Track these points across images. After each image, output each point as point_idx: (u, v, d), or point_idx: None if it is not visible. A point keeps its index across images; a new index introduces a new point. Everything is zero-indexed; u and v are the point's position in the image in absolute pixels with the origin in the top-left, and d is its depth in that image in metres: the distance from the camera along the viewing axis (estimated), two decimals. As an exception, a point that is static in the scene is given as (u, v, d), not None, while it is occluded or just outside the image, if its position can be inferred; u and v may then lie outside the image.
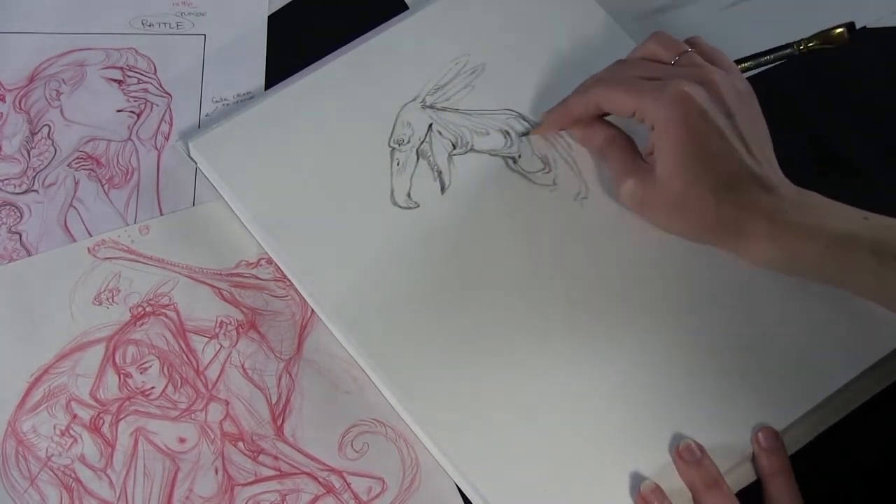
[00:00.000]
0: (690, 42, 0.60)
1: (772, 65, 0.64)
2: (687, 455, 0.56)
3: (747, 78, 0.60)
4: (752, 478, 0.57)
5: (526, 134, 0.64)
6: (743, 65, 0.62)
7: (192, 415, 0.59)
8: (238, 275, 0.63)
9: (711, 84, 0.57)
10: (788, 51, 0.64)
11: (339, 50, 0.68)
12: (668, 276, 0.60)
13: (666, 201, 0.57)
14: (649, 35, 0.61)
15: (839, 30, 0.63)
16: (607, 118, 0.62)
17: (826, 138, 0.65)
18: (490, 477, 0.56)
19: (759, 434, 0.56)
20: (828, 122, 0.66)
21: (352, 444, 0.58)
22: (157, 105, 0.68)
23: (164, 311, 0.61)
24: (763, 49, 0.64)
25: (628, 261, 0.61)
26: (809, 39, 0.63)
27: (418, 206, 0.63)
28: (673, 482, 0.56)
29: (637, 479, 0.55)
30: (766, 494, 0.56)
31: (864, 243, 0.54)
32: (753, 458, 0.56)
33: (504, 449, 0.56)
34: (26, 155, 0.66)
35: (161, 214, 0.64)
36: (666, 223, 0.59)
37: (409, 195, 0.63)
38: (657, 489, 0.55)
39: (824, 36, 0.63)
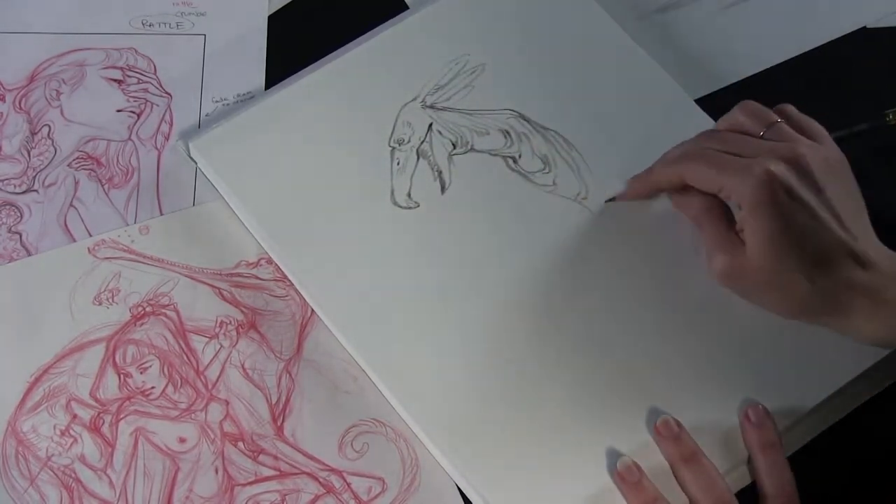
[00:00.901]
0: (780, 111, 0.59)
1: (860, 131, 0.64)
2: (664, 430, 0.56)
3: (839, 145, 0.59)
4: (749, 480, 0.57)
5: (612, 200, 0.62)
6: (835, 133, 0.60)
7: (192, 415, 0.59)
8: (238, 275, 0.63)
9: (800, 159, 0.55)
10: (882, 120, 0.64)
11: (339, 50, 0.68)
12: (666, 273, 0.60)
13: (758, 280, 0.55)
14: (738, 105, 0.59)
15: None
16: None
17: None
18: (490, 476, 0.56)
19: (748, 409, 0.56)
20: (827, 122, 0.66)
21: (352, 444, 0.58)
22: (158, 105, 0.68)
23: (164, 311, 0.61)
24: (855, 121, 0.64)
25: (627, 259, 0.61)
26: None
27: (418, 205, 0.63)
28: (652, 460, 0.56)
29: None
30: (756, 469, 0.56)
31: None
32: (742, 434, 0.56)
33: (504, 448, 0.56)
34: (26, 155, 0.66)
35: (161, 214, 0.64)
36: (760, 301, 0.57)
37: (409, 195, 0.63)
38: (633, 465, 0.55)
39: None
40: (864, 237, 0.56)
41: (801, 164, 0.55)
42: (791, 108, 0.59)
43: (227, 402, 0.59)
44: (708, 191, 0.57)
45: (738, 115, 0.58)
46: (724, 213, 0.58)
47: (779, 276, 0.55)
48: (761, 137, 0.57)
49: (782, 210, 0.54)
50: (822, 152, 0.57)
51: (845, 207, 0.56)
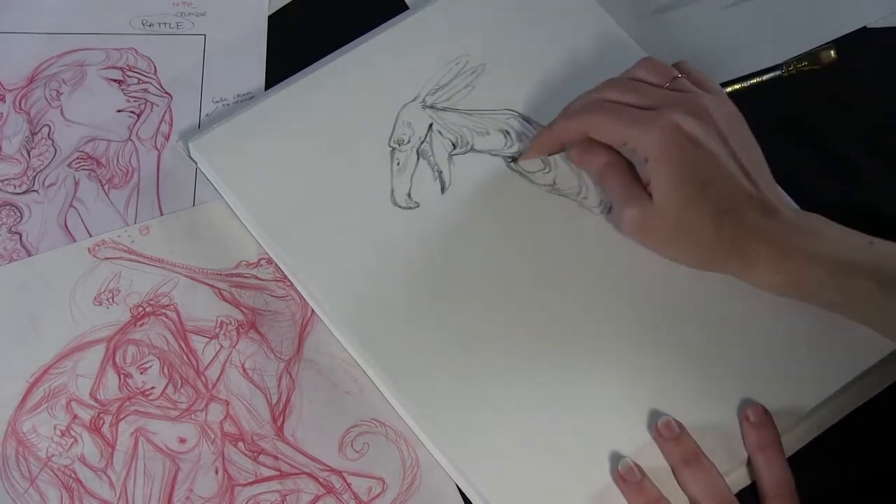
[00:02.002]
0: (679, 67, 0.60)
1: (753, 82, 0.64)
2: (665, 431, 0.56)
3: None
4: (749, 480, 0.57)
5: (514, 160, 0.63)
6: (731, 87, 0.62)
7: (193, 415, 0.59)
8: (238, 275, 0.63)
9: (703, 111, 0.56)
10: (776, 73, 0.64)
11: (339, 50, 0.68)
12: (666, 274, 0.60)
13: (666, 229, 0.57)
14: (638, 61, 0.60)
15: (828, 51, 0.63)
16: None
17: (826, 139, 0.65)
18: (489, 476, 0.56)
19: (748, 409, 0.56)
20: (827, 122, 0.66)
21: (352, 445, 0.58)
22: (157, 105, 0.68)
23: (164, 311, 0.61)
24: (751, 71, 0.64)
25: (627, 258, 0.61)
26: (798, 60, 0.63)
27: (418, 206, 0.63)
28: (653, 461, 0.56)
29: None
30: (756, 469, 0.56)
31: (868, 270, 0.53)
32: (742, 434, 0.56)
33: (503, 448, 0.56)
34: (26, 155, 0.66)
35: (161, 214, 0.65)
36: (669, 251, 0.58)
37: (409, 195, 0.63)
38: (634, 466, 0.55)
39: (812, 57, 0.63)
40: (769, 189, 0.57)
41: (705, 116, 0.56)
42: (690, 65, 0.60)
43: (228, 403, 0.59)
44: (613, 144, 0.58)
45: (640, 72, 0.60)
46: (627, 167, 0.59)
47: (686, 224, 0.56)
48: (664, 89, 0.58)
49: (688, 158, 0.55)
50: (724, 105, 0.58)
51: (748, 159, 0.57)
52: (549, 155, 0.63)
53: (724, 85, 0.62)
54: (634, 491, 0.55)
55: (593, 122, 0.59)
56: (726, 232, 0.55)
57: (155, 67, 0.69)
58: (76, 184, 0.66)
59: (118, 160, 0.66)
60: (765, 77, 0.64)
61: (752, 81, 0.64)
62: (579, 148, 0.61)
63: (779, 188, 0.58)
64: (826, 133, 0.67)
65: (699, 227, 0.55)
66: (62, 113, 0.68)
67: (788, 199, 0.60)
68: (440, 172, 0.64)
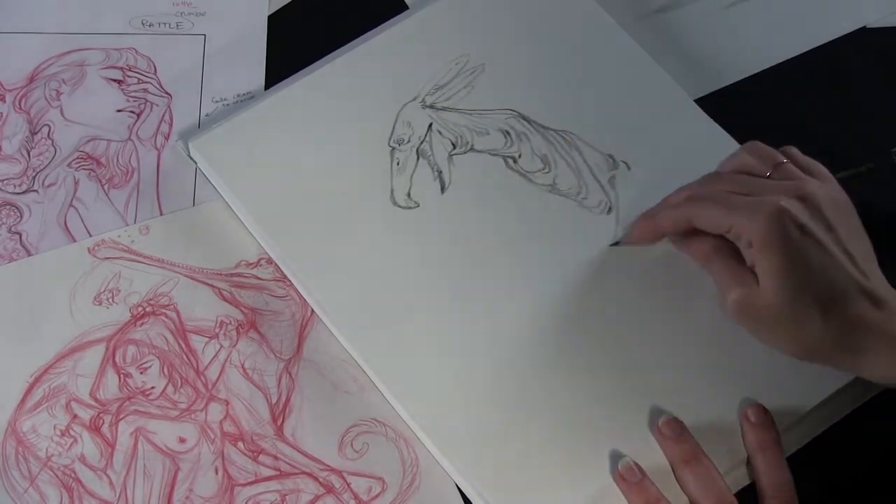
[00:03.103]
0: (784, 152, 0.58)
1: (861, 175, 0.62)
2: (667, 430, 0.56)
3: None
4: (749, 480, 0.57)
5: (616, 244, 0.61)
6: (839, 174, 0.59)
7: (192, 415, 0.59)
8: (238, 275, 0.63)
9: (809, 197, 0.54)
10: (889, 158, 0.63)
11: (339, 50, 0.68)
12: (665, 272, 0.60)
13: (771, 315, 0.54)
14: (743, 145, 0.58)
15: None
16: None
17: (825, 139, 0.65)
18: (490, 476, 0.56)
19: (748, 409, 0.56)
20: (827, 122, 0.66)
21: (352, 444, 0.58)
22: (157, 105, 0.68)
23: (164, 311, 0.61)
24: (858, 162, 0.63)
25: (627, 259, 0.61)
26: None
27: (418, 205, 0.63)
28: (652, 460, 0.56)
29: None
30: (755, 469, 0.56)
31: None
32: (742, 434, 0.56)
33: (504, 448, 0.56)
34: (26, 155, 0.66)
35: (161, 214, 0.65)
36: (773, 339, 0.55)
37: (409, 195, 0.63)
38: (634, 466, 0.55)
39: None
40: (876, 277, 0.55)
41: (812, 202, 0.54)
42: (795, 150, 0.58)
43: (227, 402, 0.59)
44: (717, 231, 0.56)
45: (744, 156, 0.58)
46: (735, 251, 0.57)
47: (791, 312, 0.53)
48: (767, 178, 0.56)
49: (794, 245, 0.53)
50: (831, 192, 0.56)
51: (856, 248, 0.55)
52: (650, 243, 0.61)
53: (833, 173, 0.59)
54: (634, 490, 0.55)
55: (697, 212, 0.56)
56: (834, 322, 0.53)
57: (155, 67, 0.69)
58: (76, 183, 0.66)
59: (118, 160, 0.66)
60: (872, 165, 0.63)
61: (863, 168, 0.62)
62: (686, 235, 0.59)
63: (885, 280, 0.56)
64: (826, 133, 0.67)
65: (804, 317, 0.53)
66: (62, 113, 0.68)
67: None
68: (440, 172, 0.64)
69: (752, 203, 0.54)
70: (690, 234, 0.58)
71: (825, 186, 0.56)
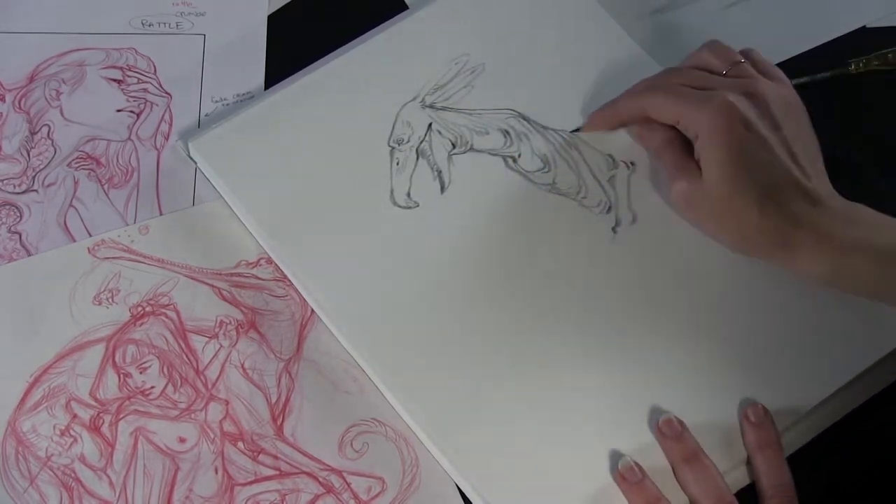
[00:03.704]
0: (744, 54, 0.60)
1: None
2: (667, 429, 0.56)
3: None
4: (749, 480, 0.57)
5: (576, 131, 0.64)
6: (796, 80, 0.62)
7: (192, 414, 0.59)
8: (238, 275, 0.63)
9: (759, 95, 0.57)
10: (844, 70, 0.65)
11: (339, 50, 0.68)
12: (665, 272, 0.60)
13: (711, 206, 0.57)
14: (704, 43, 0.61)
15: None
16: None
17: (825, 139, 0.65)
18: (489, 476, 0.56)
19: (748, 409, 0.56)
20: (827, 123, 0.66)
21: (352, 444, 0.58)
22: (157, 105, 0.68)
23: (163, 310, 0.61)
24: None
25: (626, 257, 0.61)
26: (868, 60, 0.63)
27: (418, 205, 0.63)
28: (652, 460, 0.56)
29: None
30: (755, 469, 0.56)
31: None
32: (742, 434, 0.56)
33: (503, 448, 0.56)
34: (26, 155, 0.66)
35: (161, 214, 0.65)
36: (712, 229, 0.59)
37: (408, 195, 0.63)
38: (634, 465, 0.55)
39: (884, 58, 0.64)
40: (818, 179, 0.57)
41: (761, 99, 0.57)
42: (756, 52, 0.61)
43: (227, 402, 0.59)
44: (667, 121, 0.59)
45: (704, 54, 0.61)
46: (684, 144, 0.59)
47: (731, 205, 0.56)
48: (724, 75, 0.59)
49: (737, 139, 0.55)
50: (783, 92, 0.59)
51: (801, 148, 0.57)
52: (608, 130, 0.64)
53: (790, 78, 0.62)
54: (634, 490, 0.55)
55: (651, 101, 0.60)
56: (770, 218, 0.55)
57: (155, 67, 0.69)
58: (76, 183, 0.66)
59: (118, 160, 0.66)
60: (830, 73, 0.65)
61: (819, 76, 0.64)
62: (640, 126, 0.62)
63: (828, 182, 0.58)
64: (826, 133, 0.67)
65: (743, 209, 0.55)
66: (62, 113, 0.68)
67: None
68: (440, 172, 0.64)
69: (701, 96, 0.57)
70: (647, 124, 0.61)
71: (777, 87, 0.59)
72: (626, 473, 0.55)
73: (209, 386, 0.60)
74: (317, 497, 0.57)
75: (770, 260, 0.57)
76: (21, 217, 0.65)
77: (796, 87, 0.61)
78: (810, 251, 0.55)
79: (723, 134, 0.56)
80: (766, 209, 0.55)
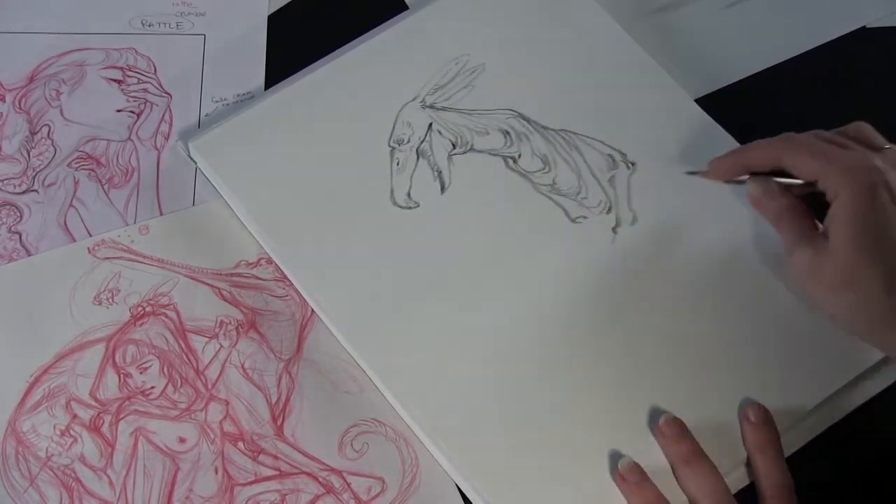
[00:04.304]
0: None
1: None
2: (667, 429, 0.56)
3: None
4: (749, 480, 0.57)
5: (693, 173, 0.61)
6: None
7: (192, 415, 0.59)
8: (238, 275, 0.63)
9: None
10: None
11: (339, 50, 0.68)
12: (665, 272, 0.60)
13: (835, 276, 0.53)
14: (853, 123, 0.58)
15: None
16: None
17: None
18: (490, 476, 0.56)
19: (748, 409, 0.56)
20: (827, 122, 0.66)
21: (352, 444, 0.58)
22: (157, 105, 0.68)
23: (164, 310, 0.61)
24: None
25: (627, 258, 0.61)
26: None
27: (418, 205, 0.63)
28: (652, 460, 0.56)
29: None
30: (755, 470, 0.56)
31: None
32: (742, 434, 0.56)
33: (503, 448, 0.56)
34: (26, 155, 0.66)
35: (161, 214, 0.65)
36: (831, 302, 0.55)
37: (409, 195, 0.63)
38: (634, 466, 0.55)
39: None
40: None
41: None
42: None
43: (227, 402, 0.59)
44: (806, 177, 0.56)
45: (850, 131, 0.58)
46: (807, 213, 0.57)
47: (856, 275, 0.53)
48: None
49: (876, 206, 0.52)
50: None
51: None
52: (728, 180, 0.60)
53: None
54: (634, 490, 0.55)
55: (789, 152, 0.56)
56: (894, 296, 0.52)
57: (155, 67, 0.69)
58: (76, 183, 0.66)
59: (118, 160, 0.66)
60: None
61: None
62: (761, 187, 0.58)
63: None
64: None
65: (868, 283, 0.53)
66: (62, 113, 0.68)
67: None
68: (440, 172, 0.64)
69: (845, 156, 0.54)
70: (768, 187, 0.58)
71: None
72: (626, 473, 0.55)
73: (209, 386, 0.60)
74: (317, 497, 0.57)
75: (885, 345, 0.55)
76: (21, 217, 0.65)
77: None
78: None
79: (865, 198, 0.52)
80: (893, 288, 0.52)
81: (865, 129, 0.58)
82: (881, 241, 0.53)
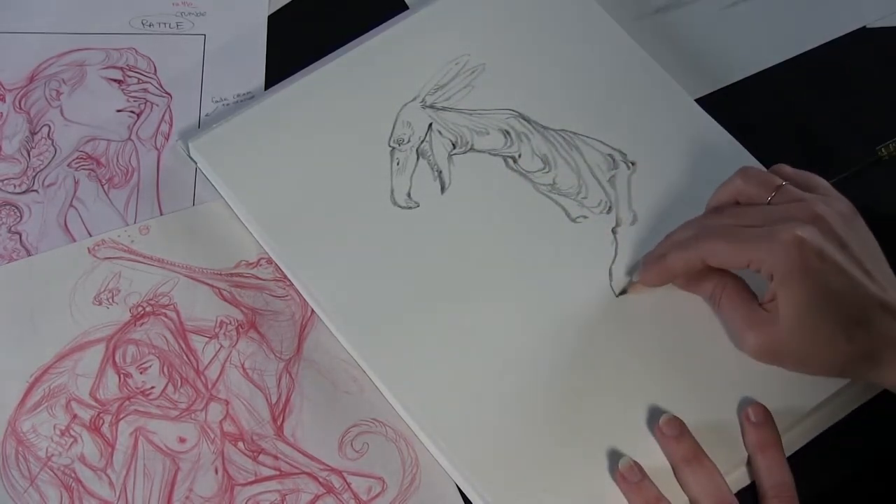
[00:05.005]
0: (777, 171, 0.57)
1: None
2: (668, 429, 0.56)
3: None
4: (749, 480, 0.57)
5: (623, 293, 0.60)
6: (833, 179, 0.58)
7: (192, 415, 0.59)
8: (238, 275, 0.63)
9: (820, 219, 0.53)
10: (874, 157, 0.63)
11: (339, 50, 0.68)
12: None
13: (796, 351, 0.54)
14: (736, 173, 0.57)
15: None
16: None
17: (825, 139, 0.65)
18: (490, 476, 0.56)
19: (749, 409, 0.56)
20: (827, 122, 0.66)
21: (352, 444, 0.58)
22: (157, 105, 0.68)
23: (164, 310, 0.61)
24: (847, 164, 0.64)
25: (627, 258, 0.61)
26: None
27: (418, 205, 0.63)
28: (652, 460, 0.56)
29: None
30: (756, 469, 0.56)
31: None
32: (742, 434, 0.56)
33: (504, 448, 0.56)
34: (26, 155, 0.66)
35: (161, 214, 0.65)
36: (799, 369, 0.56)
37: (409, 195, 0.63)
38: (634, 465, 0.55)
39: None
40: (890, 285, 0.55)
41: (822, 224, 0.54)
42: (788, 168, 0.57)
43: (227, 402, 0.59)
44: (734, 267, 0.56)
45: (740, 184, 0.57)
46: (741, 288, 0.57)
47: (817, 344, 0.53)
48: (769, 203, 0.56)
49: (816, 275, 0.52)
50: (838, 207, 0.55)
51: (868, 258, 0.54)
52: (658, 286, 0.59)
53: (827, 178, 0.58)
54: (634, 490, 0.55)
55: (710, 249, 0.55)
56: (858, 343, 0.53)
57: (155, 67, 0.69)
58: (76, 183, 0.66)
59: (118, 160, 0.66)
60: (865, 164, 0.64)
61: (851, 170, 0.62)
62: (687, 279, 0.58)
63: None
64: (826, 133, 0.67)
65: (830, 345, 0.53)
66: (62, 113, 0.68)
67: None
68: (440, 172, 0.64)
69: (766, 234, 0.53)
70: (696, 274, 0.57)
71: (830, 202, 0.55)
72: (627, 473, 0.55)
73: (209, 386, 0.59)
74: (317, 497, 0.57)
75: (862, 378, 0.55)
76: (21, 217, 0.64)
77: (834, 185, 0.58)
78: None
79: (800, 273, 0.52)
80: (853, 336, 0.53)
81: (753, 175, 0.57)
82: (828, 303, 0.53)
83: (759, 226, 0.54)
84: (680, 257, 0.57)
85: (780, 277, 0.53)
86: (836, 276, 0.53)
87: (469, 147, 0.65)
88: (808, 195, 0.55)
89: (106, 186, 0.66)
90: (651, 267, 0.58)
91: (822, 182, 0.57)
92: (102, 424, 0.58)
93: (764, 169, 0.59)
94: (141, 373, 0.60)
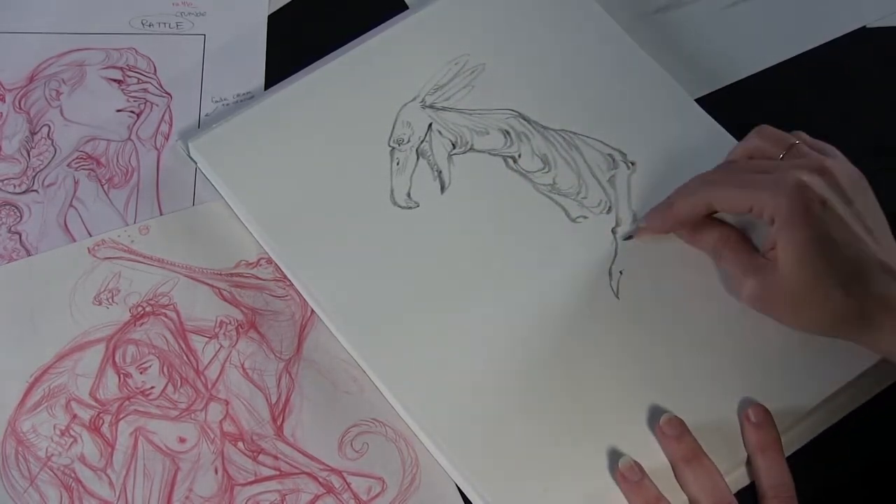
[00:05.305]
0: (795, 135, 0.58)
1: None
2: (668, 429, 0.56)
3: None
4: (749, 480, 0.57)
5: (629, 238, 0.61)
6: None
7: (192, 415, 0.59)
8: (238, 275, 0.63)
9: (827, 172, 0.54)
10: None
11: (339, 50, 0.68)
12: (665, 272, 0.60)
13: (792, 298, 0.54)
14: (754, 130, 0.58)
15: None
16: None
17: (825, 139, 0.65)
18: (490, 476, 0.56)
19: (749, 409, 0.56)
20: (827, 122, 0.66)
21: (352, 444, 0.58)
22: (157, 105, 0.68)
23: (163, 310, 0.61)
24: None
25: (627, 258, 0.61)
26: None
27: (418, 205, 0.63)
28: (652, 459, 0.56)
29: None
30: (755, 469, 0.56)
31: None
32: (742, 434, 0.56)
33: (504, 448, 0.56)
34: (26, 155, 0.66)
35: (161, 214, 0.65)
36: (792, 319, 0.56)
37: (408, 195, 0.63)
38: (634, 465, 0.55)
39: None
40: (893, 249, 0.55)
41: (830, 177, 0.54)
42: (803, 134, 0.58)
43: (227, 402, 0.59)
44: (737, 211, 0.57)
45: (755, 140, 0.58)
46: (743, 240, 0.57)
47: (814, 292, 0.53)
48: (781, 159, 0.56)
49: (817, 220, 0.53)
50: (846, 167, 0.56)
51: (873, 221, 0.55)
52: (664, 233, 0.60)
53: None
54: (634, 490, 0.55)
55: (717, 194, 0.56)
56: (854, 299, 0.53)
57: (155, 67, 0.69)
58: (76, 183, 0.66)
59: (118, 160, 0.66)
60: None
61: None
62: (690, 228, 0.59)
63: None
64: (826, 133, 0.67)
65: (826, 295, 0.53)
66: (62, 113, 0.68)
67: None
68: (440, 172, 0.64)
69: (772, 180, 0.54)
70: (699, 225, 0.59)
71: (841, 162, 0.56)
72: (627, 473, 0.55)
73: (209, 386, 0.60)
74: (317, 497, 0.57)
75: (849, 339, 0.55)
76: (21, 217, 0.65)
77: None
78: (890, 331, 0.53)
79: (802, 216, 0.53)
80: (850, 289, 0.52)
81: (769, 133, 0.58)
82: (828, 251, 0.53)
83: (766, 173, 0.55)
84: (686, 202, 0.58)
85: (782, 221, 0.53)
86: (838, 226, 0.53)
87: (469, 147, 0.65)
88: (821, 154, 0.56)
89: (106, 186, 0.66)
90: (657, 211, 0.60)
91: (836, 151, 0.58)
92: (102, 424, 0.58)
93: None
94: (141, 373, 0.60)
